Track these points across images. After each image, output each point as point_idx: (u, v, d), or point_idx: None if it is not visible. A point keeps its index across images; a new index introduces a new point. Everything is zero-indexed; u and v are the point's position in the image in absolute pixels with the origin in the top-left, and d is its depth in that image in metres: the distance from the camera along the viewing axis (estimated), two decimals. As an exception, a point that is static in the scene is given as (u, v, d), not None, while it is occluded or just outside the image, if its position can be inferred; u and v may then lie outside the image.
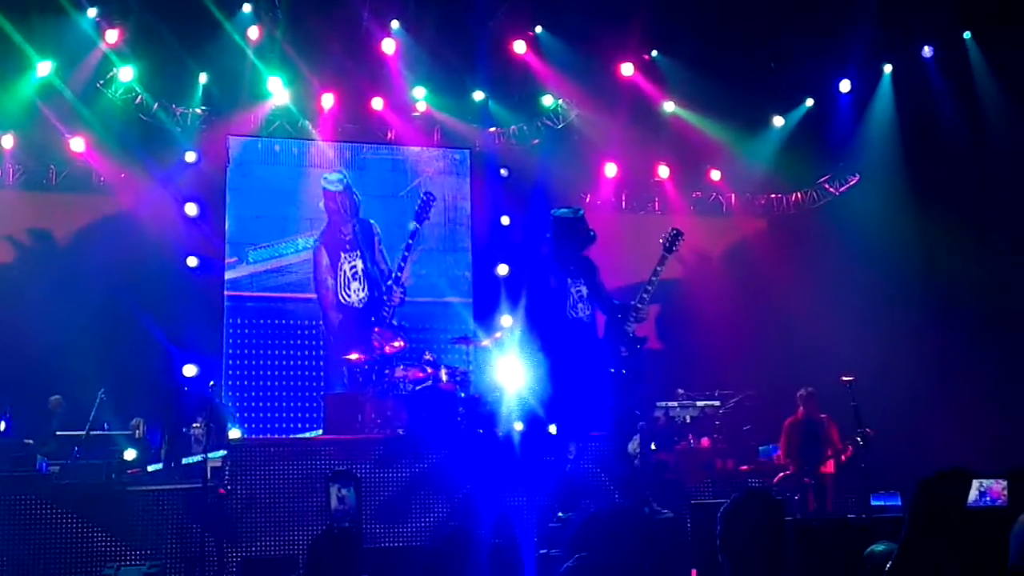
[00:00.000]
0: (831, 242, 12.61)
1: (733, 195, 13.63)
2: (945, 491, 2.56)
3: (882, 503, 9.22)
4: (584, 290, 7.03)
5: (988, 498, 2.73)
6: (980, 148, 11.48)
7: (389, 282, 12.49)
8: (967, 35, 11.63)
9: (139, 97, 11.50)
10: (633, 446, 6.86)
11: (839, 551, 5.65)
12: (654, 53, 12.23)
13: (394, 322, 12.18)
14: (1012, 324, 10.82)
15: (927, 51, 11.85)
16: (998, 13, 10.87)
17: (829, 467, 9.66)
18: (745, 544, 3.21)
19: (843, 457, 9.55)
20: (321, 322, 12.27)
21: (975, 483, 2.74)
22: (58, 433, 9.27)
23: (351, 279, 12.47)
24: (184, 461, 9.12)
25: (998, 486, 2.75)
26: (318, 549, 7.07)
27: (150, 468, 9.06)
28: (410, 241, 12.64)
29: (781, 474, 9.58)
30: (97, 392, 9.38)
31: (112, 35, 10.93)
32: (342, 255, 12.50)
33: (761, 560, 3.21)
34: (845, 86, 12.32)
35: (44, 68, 10.82)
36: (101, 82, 11.31)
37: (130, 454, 9.05)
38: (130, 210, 11.60)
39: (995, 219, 11.34)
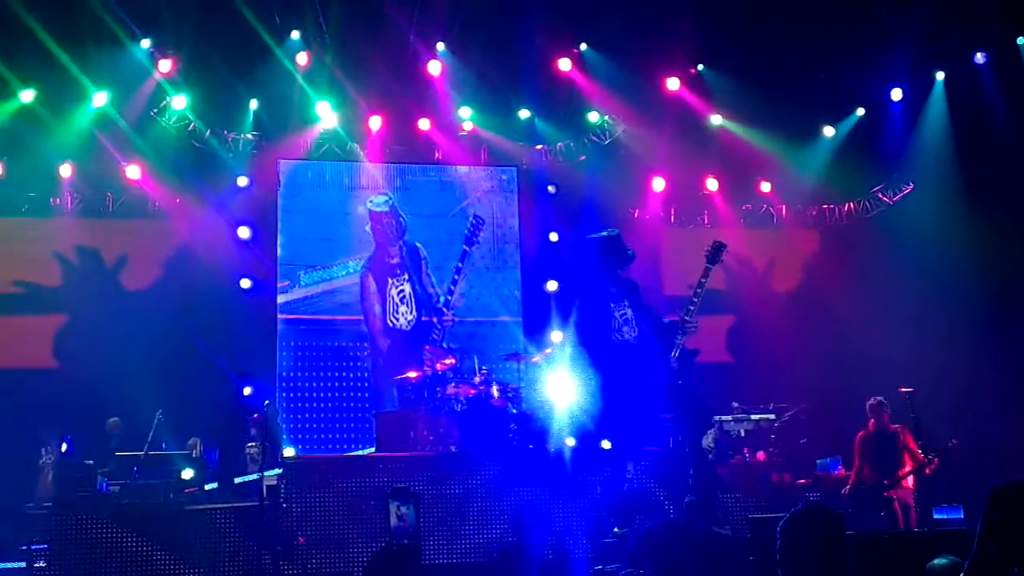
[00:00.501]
0: (885, 252, 12.41)
1: (784, 207, 13.49)
2: (1020, 500, 2.48)
3: (944, 516, 9.05)
4: (628, 312, 6.94)
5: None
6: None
7: (439, 304, 12.56)
8: (1020, 40, 11.42)
9: (192, 124, 11.74)
10: (708, 440, 6.78)
11: (901, 565, 5.54)
12: (700, 67, 12.19)
13: (444, 345, 12.25)
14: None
15: (980, 57, 11.65)
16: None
17: (908, 481, 9.32)
18: (806, 559, 3.14)
19: (928, 470, 9.15)
20: (366, 344, 12.35)
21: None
22: (117, 454, 9.42)
23: (399, 303, 12.55)
24: (240, 480, 9.22)
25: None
26: (377, 566, 7.09)
27: (207, 487, 9.17)
28: (460, 264, 12.73)
29: (848, 487, 9.32)
30: (155, 413, 9.53)
31: (165, 64, 11.18)
32: (389, 280, 12.60)
33: (823, 575, 3.14)
34: (897, 94, 12.14)
35: (100, 99, 11.10)
36: (155, 111, 11.58)
37: (187, 473, 9.16)
38: (184, 235, 11.83)
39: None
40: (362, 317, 12.46)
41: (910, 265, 11.85)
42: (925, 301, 11.69)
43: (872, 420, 9.53)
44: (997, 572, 2.43)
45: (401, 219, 12.75)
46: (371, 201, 12.72)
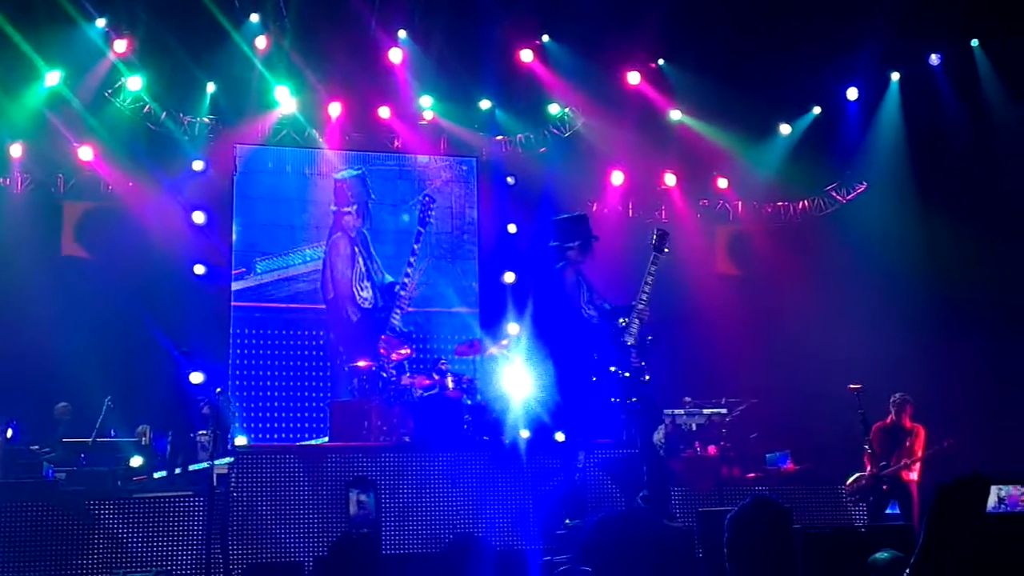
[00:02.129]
0: (838, 250, 12.58)
1: (740, 203, 13.61)
2: (964, 497, 2.53)
3: (895, 511, 9.22)
4: (587, 294, 7.08)
5: (1008, 504, 2.70)
6: (988, 155, 11.47)
7: (397, 287, 12.50)
8: (975, 43, 11.63)
9: (147, 106, 11.56)
10: (658, 436, 6.86)
11: (845, 559, 5.63)
12: (660, 61, 12.27)
13: (400, 328, 12.19)
14: (1020, 329, 10.78)
15: (935, 59, 11.86)
16: (1005, 21, 10.86)
17: (912, 473, 9.34)
18: (752, 551, 3.19)
19: (912, 467, 9.31)
20: (322, 332, 12.24)
21: (994, 489, 2.71)
22: (64, 440, 9.28)
23: (363, 278, 12.49)
24: (191, 468, 9.12)
25: (1017, 492, 2.72)
26: (335, 554, 7.04)
27: (156, 475, 9.06)
28: (415, 246, 12.65)
29: (856, 476, 9.31)
30: (104, 399, 9.40)
31: (121, 45, 10.99)
32: (356, 249, 12.53)
33: (768, 568, 3.19)
34: (853, 94, 12.32)
35: (53, 78, 10.90)
36: (109, 91, 11.38)
37: (136, 461, 9.05)
38: (138, 218, 11.63)
39: (1002, 226, 11.31)
40: (320, 306, 12.34)
41: (862, 263, 12.03)
42: (877, 299, 11.88)
43: (892, 414, 9.55)
44: (941, 569, 2.48)
45: (369, 195, 12.66)
46: (343, 171, 12.60)
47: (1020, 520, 2.66)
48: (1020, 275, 10.88)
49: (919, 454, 9.30)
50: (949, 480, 2.52)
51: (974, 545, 2.48)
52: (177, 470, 9.01)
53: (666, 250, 7.11)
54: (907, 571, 2.49)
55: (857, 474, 9.30)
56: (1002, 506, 2.72)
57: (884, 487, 9.14)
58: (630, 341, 6.86)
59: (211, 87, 11.74)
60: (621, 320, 6.89)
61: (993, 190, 11.45)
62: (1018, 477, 2.77)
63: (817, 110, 12.77)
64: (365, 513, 7.00)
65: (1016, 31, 10.76)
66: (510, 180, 12.87)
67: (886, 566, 4.65)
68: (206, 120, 11.92)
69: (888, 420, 9.58)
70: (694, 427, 10.46)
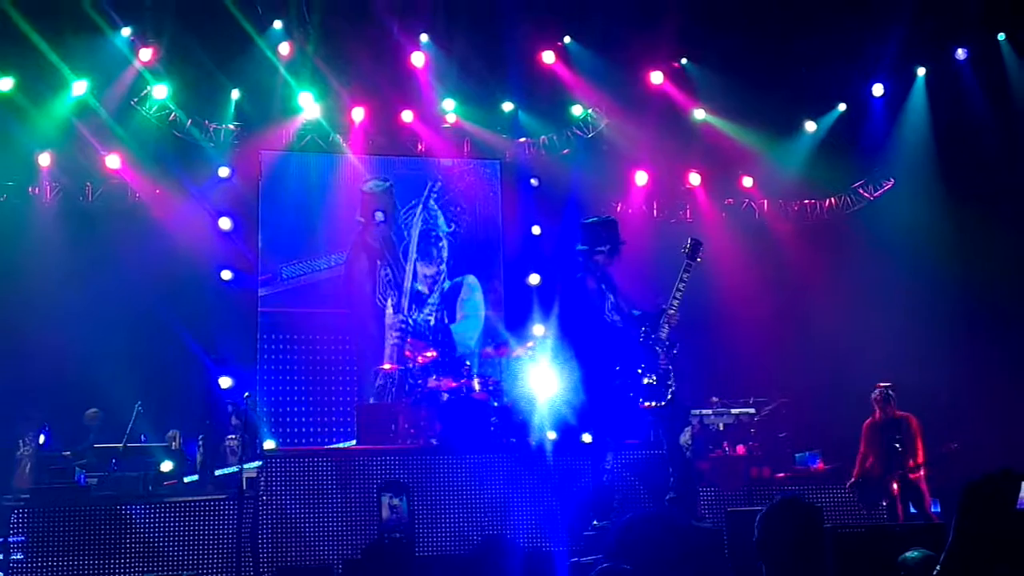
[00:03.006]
0: (866, 247, 12.49)
1: (766, 201, 13.53)
2: (993, 494, 2.51)
3: (916, 510, 9.13)
4: (611, 298, 7.08)
5: (1038, 502, 2.67)
6: (1014, 150, 11.34)
7: (421, 286, 12.54)
8: (1001, 36, 11.51)
9: (173, 114, 11.66)
10: (685, 437, 6.87)
11: (876, 558, 5.59)
12: (683, 61, 12.22)
13: (427, 329, 12.23)
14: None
15: (961, 53, 11.73)
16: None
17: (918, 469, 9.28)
18: (783, 550, 3.20)
19: (912, 463, 9.23)
20: (348, 336, 12.29)
21: (1024, 485, 2.68)
22: (96, 446, 9.38)
23: (387, 286, 12.54)
24: (219, 472, 9.19)
25: (1046, 489, 2.69)
26: (369, 559, 7.06)
27: (186, 479, 9.14)
28: (428, 236, 12.66)
29: (854, 479, 9.29)
30: (134, 405, 9.50)
31: (146, 54, 11.09)
32: (378, 262, 12.59)
33: (799, 566, 3.19)
34: (878, 90, 12.21)
35: (80, 87, 11.01)
36: (135, 100, 11.48)
37: (167, 466, 9.13)
38: (165, 225, 11.73)
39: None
40: (344, 310, 12.41)
41: (890, 261, 11.93)
42: (905, 296, 11.78)
43: (877, 409, 9.48)
44: (971, 566, 2.46)
45: (397, 208, 12.72)
46: (370, 183, 12.67)
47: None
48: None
49: (922, 456, 9.18)
50: (976, 477, 2.51)
51: (1004, 541, 2.45)
52: (207, 474, 9.09)
53: (699, 259, 7.15)
54: (937, 567, 2.47)
55: (853, 478, 9.26)
56: (1033, 502, 2.69)
57: (895, 486, 9.06)
58: (659, 346, 6.88)
59: (236, 94, 11.82)
60: (644, 329, 6.92)
61: (1019, 184, 11.31)
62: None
63: (842, 107, 12.65)
64: (398, 517, 7.01)
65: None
66: (534, 182, 12.87)
67: (916, 565, 4.62)
68: (231, 127, 12.01)
69: (877, 415, 9.46)
70: (722, 427, 10.43)
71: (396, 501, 7.00)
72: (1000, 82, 11.48)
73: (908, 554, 4.81)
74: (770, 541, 3.12)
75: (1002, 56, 11.54)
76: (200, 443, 9.92)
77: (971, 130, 11.71)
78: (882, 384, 9.47)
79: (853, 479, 9.29)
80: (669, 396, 6.87)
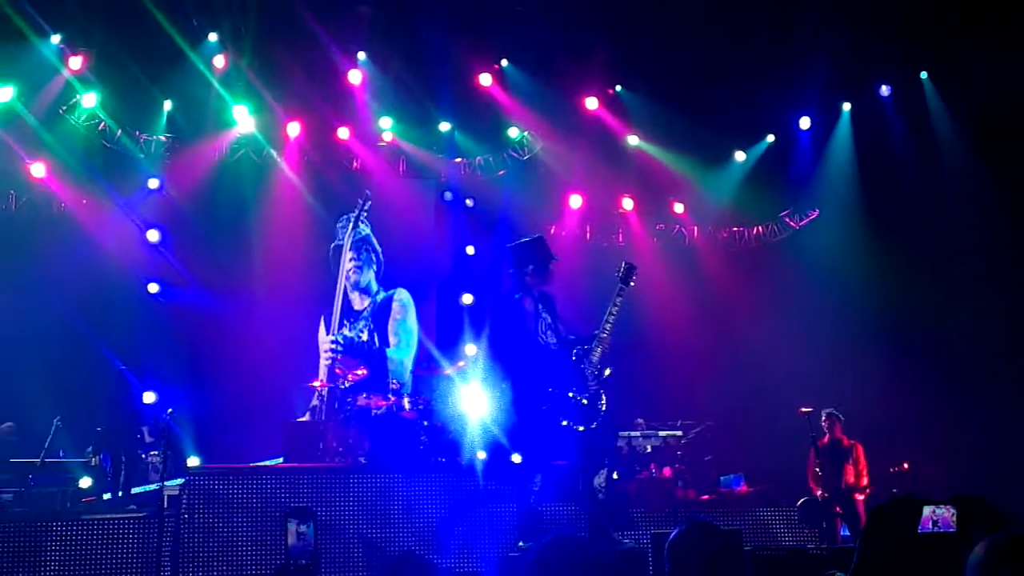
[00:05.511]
0: (791, 275, 12.78)
1: (696, 228, 13.77)
2: (898, 518, 2.60)
3: (847, 534, 9.36)
4: (548, 319, 7.11)
5: (939, 524, 2.78)
6: (935, 184, 11.77)
7: (356, 302, 12.44)
8: (923, 75, 11.94)
9: (103, 124, 11.45)
10: (599, 480, 6.90)
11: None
12: (618, 88, 12.42)
13: (362, 345, 12.13)
14: (962, 355, 11.04)
15: (885, 90, 12.15)
16: (953, 54, 11.17)
17: (861, 495, 9.50)
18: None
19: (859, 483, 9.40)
20: (279, 353, 12.12)
21: (927, 510, 2.79)
22: (12, 460, 9.11)
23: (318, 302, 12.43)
24: (140, 489, 9.00)
25: (948, 512, 2.80)
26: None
27: (106, 496, 8.92)
28: (364, 245, 12.56)
29: (804, 499, 9.42)
30: (53, 420, 9.26)
31: (75, 62, 10.89)
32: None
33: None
34: (805, 123, 12.57)
35: (5, 93, 10.75)
36: (64, 108, 11.25)
37: (85, 482, 8.91)
38: (92, 236, 11.49)
39: (948, 253, 11.60)
40: (279, 321, 12.22)
41: (815, 289, 12.24)
42: (829, 323, 12.09)
43: (827, 433, 9.69)
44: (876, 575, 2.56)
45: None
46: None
47: (951, 540, 2.74)
48: (961, 300, 11.13)
49: (866, 479, 9.44)
50: (884, 501, 2.60)
51: (905, 563, 2.54)
52: (127, 491, 8.89)
53: (632, 283, 7.21)
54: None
55: (804, 498, 9.42)
56: (934, 527, 2.80)
57: (837, 509, 9.27)
58: (590, 369, 6.92)
59: (168, 105, 11.65)
60: (576, 351, 6.96)
61: (939, 218, 11.74)
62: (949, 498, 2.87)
63: (771, 138, 13.00)
64: (303, 544, 6.93)
65: (963, 64, 11.06)
66: (469, 203, 12.90)
67: (834, 587, 4.71)
68: (163, 138, 11.83)
69: (825, 439, 9.74)
70: (650, 449, 10.56)
71: (303, 528, 6.92)
72: (921, 118, 11.92)
73: (828, 576, 4.91)
74: (681, 568, 3.08)
75: (924, 93, 11.98)
76: (121, 459, 9.68)
77: (893, 163, 12.12)
78: (825, 411, 9.74)
79: (817, 495, 9.41)
80: (596, 422, 6.90)
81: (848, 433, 9.80)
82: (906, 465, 9.37)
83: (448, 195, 12.80)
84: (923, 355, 11.44)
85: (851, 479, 9.48)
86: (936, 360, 11.32)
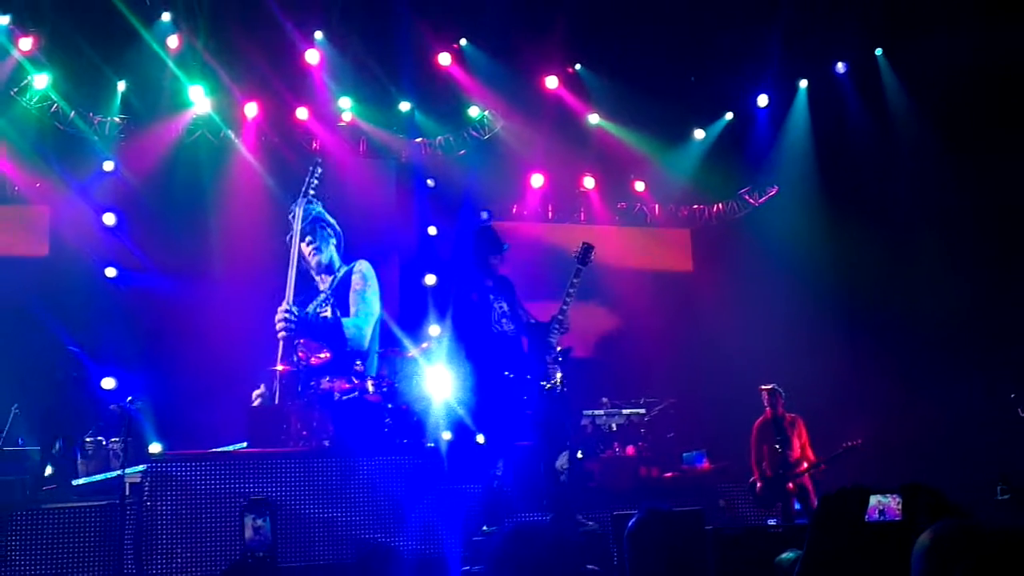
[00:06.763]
0: (752, 252, 12.90)
1: (657, 206, 13.83)
2: (845, 507, 2.67)
3: (799, 509, 9.51)
4: (505, 306, 7.14)
5: (886, 513, 2.84)
6: (891, 161, 11.90)
7: (319, 281, 12.34)
8: (879, 52, 12.05)
9: (55, 105, 11.23)
10: (561, 462, 6.96)
11: (757, 559, 5.79)
12: (577, 66, 12.40)
13: (325, 324, 12.02)
14: (920, 331, 11.22)
15: (840, 67, 12.25)
16: (909, 30, 11.28)
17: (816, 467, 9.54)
18: (656, 564, 3.18)
19: (805, 463, 9.52)
20: (242, 335, 12.02)
21: (873, 499, 2.85)
22: (-31, 450, 9.00)
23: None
24: (101, 477, 8.93)
25: (894, 501, 2.87)
26: (231, 577, 6.95)
27: (75, 483, 8.86)
28: (317, 223, 12.36)
29: (754, 479, 9.51)
30: (11, 407, 9.15)
31: (26, 43, 10.67)
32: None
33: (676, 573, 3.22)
34: (763, 100, 12.64)
35: (-46, 75, 10.53)
36: (15, 90, 11.02)
37: (46, 470, 8.83)
38: (46, 220, 11.31)
39: (904, 228, 11.75)
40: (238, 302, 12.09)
41: (775, 265, 12.35)
42: (789, 300, 12.22)
43: (768, 407, 9.71)
44: (822, 572, 2.62)
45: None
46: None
47: (896, 529, 2.82)
48: (919, 276, 11.30)
49: (812, 456, 9.53)
50: (833, 490, 2.66)
51: (853, 552, 2.61)
52: (86, 479, 8.82)
53: (589, 262, 7.25)
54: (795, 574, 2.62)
55: (754, 479, 9.54)
56: (880, 516, 2.87)
57: (790, 486, 9.38)
58: (549, 353, 6.97)
59: (122, 86, 11.44)
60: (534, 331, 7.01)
61: (895, 194, 11.89)
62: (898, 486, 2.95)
63: (729, 116, 13.06)
64: (261, 538, 6.92)
65: (918, 40, 11.17)
66: (430, 182, 12.84)
67: (789, 566, 4.81)
68: (117, 120, 11.63)
69: (767, 414, 9.77)
70: (613, 427, 10.64)
71: (260, 521, 6.91)
72: (877, 95, 12.03)
73: (783, 555, 5.01)
74: (641, 556, 3.13)
75: (879, 70, 12.09)
76: (84, 447, 9.60)
77: (850, 140, 12.24)
78: (766, 386, 9.78)
79: (754, 479, 9.54)
80: (559, 381, 6.93)
81: (789, 408, 9.83)
82: (860, 440, 9.48)
83: (431, 182, 12.66)
84: (881, 331, 11.62)
85: (797, 453, 9.57)
86: (895, 336, 11.50)
